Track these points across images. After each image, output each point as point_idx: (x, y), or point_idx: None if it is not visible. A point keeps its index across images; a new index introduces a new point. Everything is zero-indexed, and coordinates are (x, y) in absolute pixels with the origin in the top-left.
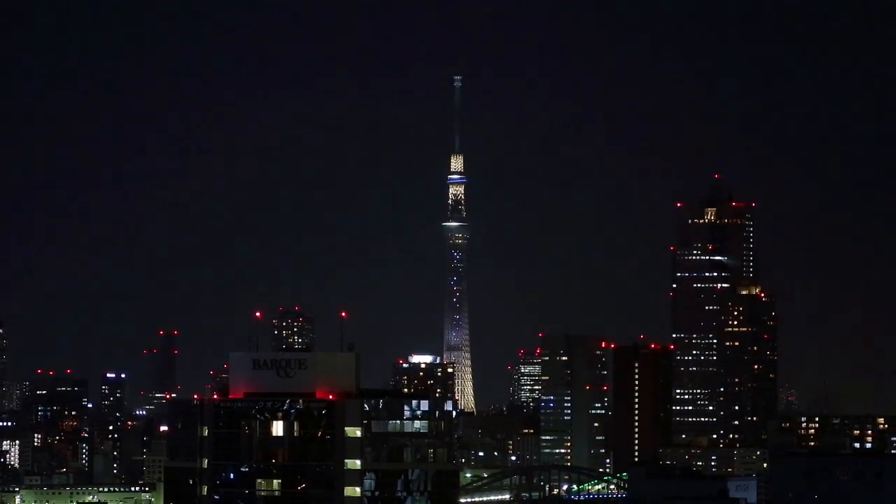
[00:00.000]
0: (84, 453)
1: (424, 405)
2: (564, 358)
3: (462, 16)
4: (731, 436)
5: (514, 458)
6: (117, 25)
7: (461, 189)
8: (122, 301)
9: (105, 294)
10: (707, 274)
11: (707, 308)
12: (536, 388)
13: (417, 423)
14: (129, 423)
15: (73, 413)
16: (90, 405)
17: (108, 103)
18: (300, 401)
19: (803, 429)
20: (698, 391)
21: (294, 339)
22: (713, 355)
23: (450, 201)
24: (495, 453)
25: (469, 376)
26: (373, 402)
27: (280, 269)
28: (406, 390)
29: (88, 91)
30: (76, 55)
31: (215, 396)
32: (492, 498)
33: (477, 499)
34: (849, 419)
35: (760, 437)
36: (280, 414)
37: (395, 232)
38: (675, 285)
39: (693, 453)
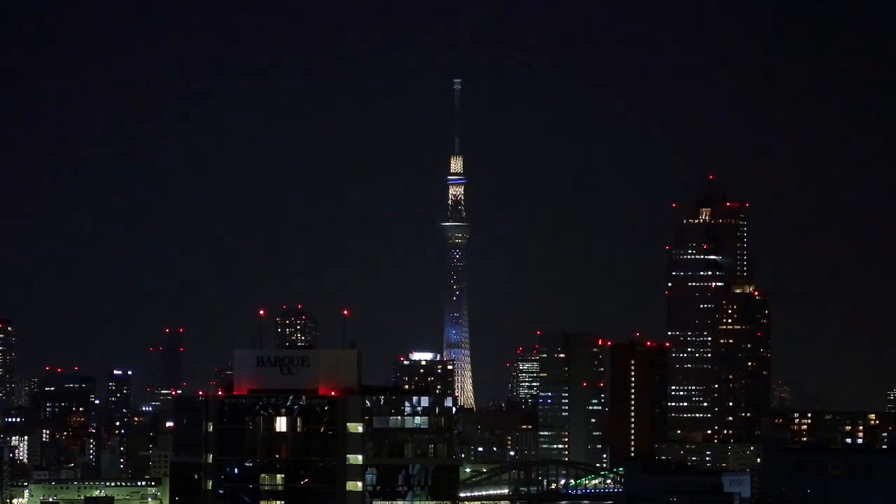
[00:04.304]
0: (91, 449)
1: (425, 401)
2: (562, 355)
3: (462, 18)
4: (725, 431)
5: (512, 453)
6: (122, 21)
7: (461, 189)
8: (128, 300)
9: (112, 293)
10: (702, 273)
11: (702, 306)
12: (535, 384)
13: (418, 419)
14: (136, 419)
15: (80, 409)
16: (97, 401)
17: (111, 100)
18: (303, 397)
19: (796, 424)
20: (693, 388)
21: (297, 336)
22: (708, 353)
23: (450, 201)
24: (494, 449)
25: (468, 373)
26: (374, 398)
27: (283, 267)
28: (407, 387)
29: (92, 87)
30: (78, 53)
31: (220, 393)
32: (491, 492)
33: (476, 493)
34: (840, 415)
35: (754, 432)
36: (283, 410)
37: (397, 231)
38: (670, 284)
39: (688, 448)
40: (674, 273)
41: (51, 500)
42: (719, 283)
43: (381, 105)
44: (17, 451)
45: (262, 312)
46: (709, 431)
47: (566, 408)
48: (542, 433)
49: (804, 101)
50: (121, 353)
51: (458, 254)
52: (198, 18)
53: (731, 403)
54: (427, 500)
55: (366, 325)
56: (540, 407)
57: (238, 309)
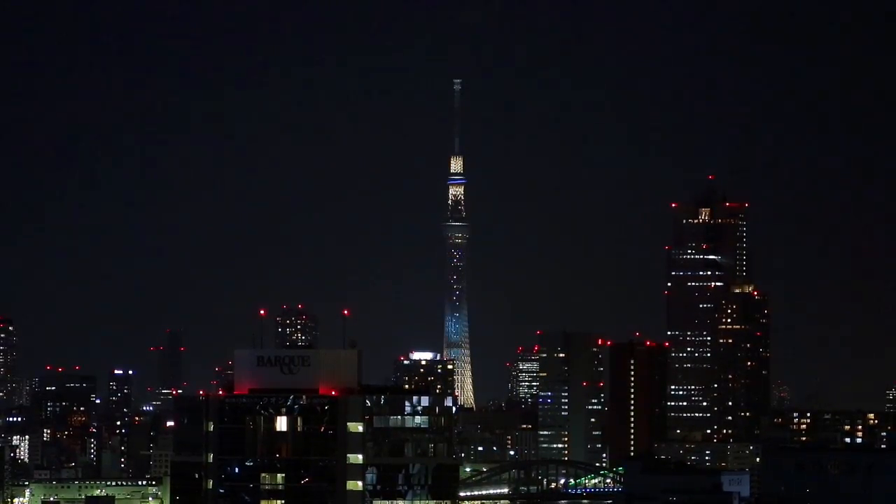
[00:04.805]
0: (92, 448)
1: (425, 401)
2: (562, 355)
3: (462, 19)
4: (724, 431)
5: (512, 452)
6: (127, 21)
7: (461, 190)
8: (129, 299)
9: (113, 292)
10: (701, 273)
11: (701, 306)
12: (534, 384)
13: (418, 419)
14: (137, 418)
15: (81, 409)
16: (98, 401)
17: (115, 101)
18: (303, 397)
19: (795, 424)
20: (692, 387)
21: (297, 336)
22: (707, 352)
23: (450, 202)
24: (494, 448)
25: (469, 373)
26: (374, 397)
27: (284, 267)
28: (407, 386)
29: (96, 88)
30: (82, 51)
31: (220, 392)
32: (491, 491)
33: (476, 492)
34: (839, 415)
35: (753, 432)
36: (284, 409)
37: (397, 231)
38: (669, 284)
39: (687, 448)
40: (673, 273)
41: (52, 499)
42: (719, 283)
43: (381, 105)
44: (18, 450)
45: (262, 312)
46: (708, 431)
47: (566, 407)
48: (541, 433)
49: (804, 100)
50: (122, 352)
51: (458, 254)
52: (199, 22)
53: (730, 403)
54: (427, 499)
55: (366, 325)
56: (540, 406)
57: (238, 309)
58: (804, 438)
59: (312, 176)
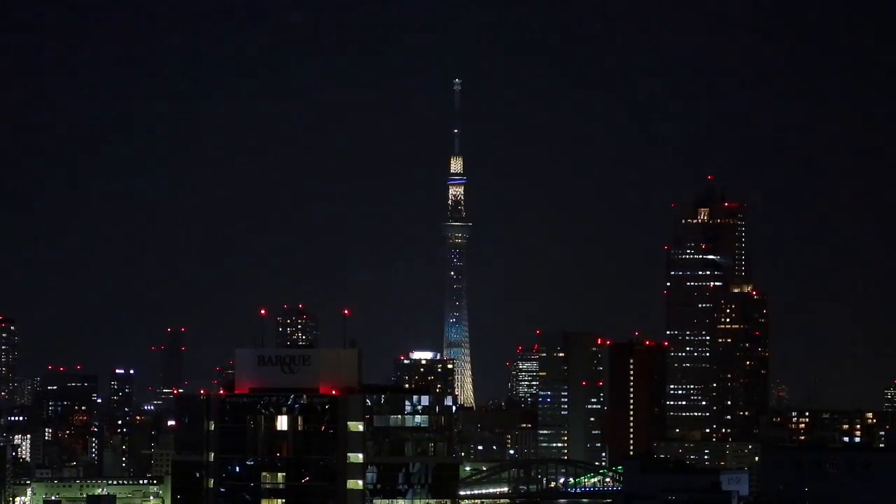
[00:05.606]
0: (94, 447)
1: (425, 400)
2: (561, 354)
3: (462, 19)
4: (723, 430)
5: (512, 451)
6: (123, 16)
7: (461, 190)
8: (130, 299)
9: (114, 292)
10: (700, 273)
11: (700, 306)
12: (534, 383)
13: (418, 418)
14: (138, 417)
15: (83, 408)
16: (100, 400)
17: (115, 98)
18: (304, 396)
19: (794, 423)
20: (691, 387)
21: (298, 335)
22: (706, 352)
23: (450, 202)
24: (494, 447)
25: (468, 372)
26: (375, 397)
27: (285, 267)
28: (407, 386)
29: (95, 85)
30: (82, 48)
31: (221, 392)
32: (490, 490)
33: (476, 491)
34: (838, 414)
35: (752, 431)
36: (284, 409)
37: (397, 231)
38: (669, 284)
39: (686, 447)
40: (672, 273)
41: (53, 498)
42: (718, 283)
43: (381, 105)
44: (19, 449)
45: (263, 312)
46: (707, 430)
47: (565, 406)
48: (541, 432)
49: (803, 100)
50: (123, 352)
51: (458, 254)
52: (199, 18)
53: (729, 402)
54: (427, 498)
55: (366, 325)
56: (539, 406)
57: (239, 308)
58: (803, 437)
59: (312, 175)
